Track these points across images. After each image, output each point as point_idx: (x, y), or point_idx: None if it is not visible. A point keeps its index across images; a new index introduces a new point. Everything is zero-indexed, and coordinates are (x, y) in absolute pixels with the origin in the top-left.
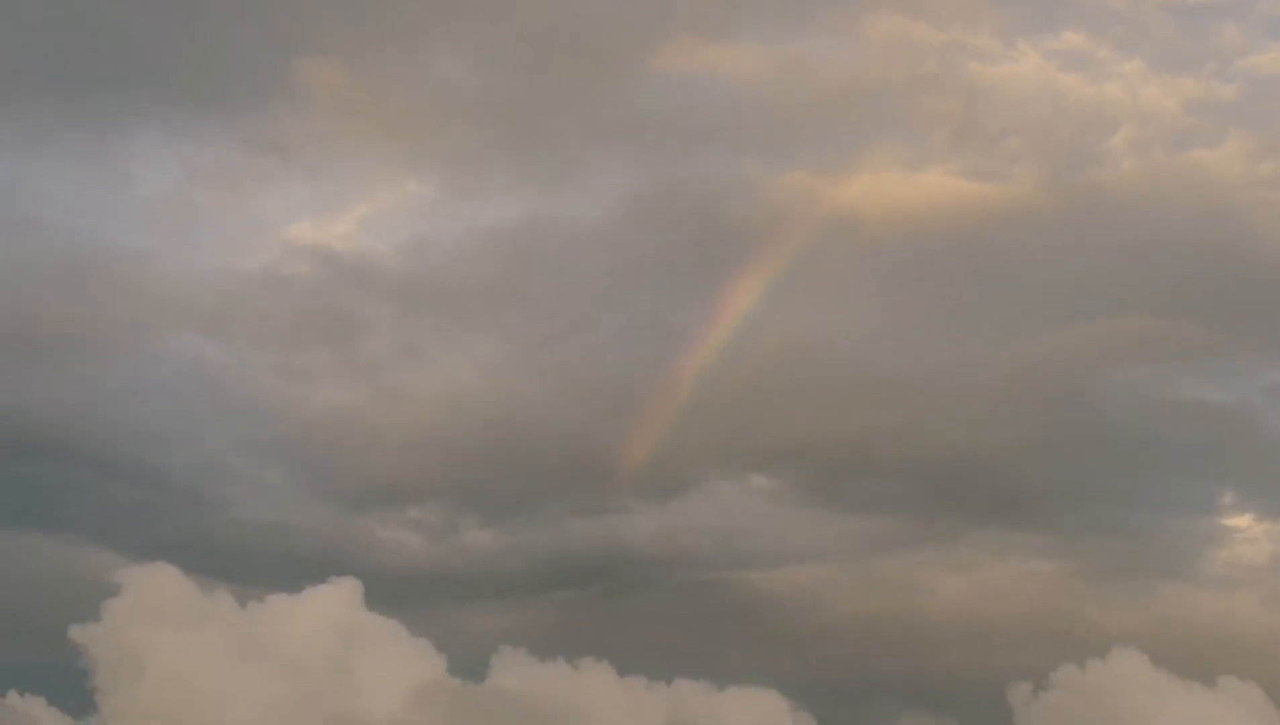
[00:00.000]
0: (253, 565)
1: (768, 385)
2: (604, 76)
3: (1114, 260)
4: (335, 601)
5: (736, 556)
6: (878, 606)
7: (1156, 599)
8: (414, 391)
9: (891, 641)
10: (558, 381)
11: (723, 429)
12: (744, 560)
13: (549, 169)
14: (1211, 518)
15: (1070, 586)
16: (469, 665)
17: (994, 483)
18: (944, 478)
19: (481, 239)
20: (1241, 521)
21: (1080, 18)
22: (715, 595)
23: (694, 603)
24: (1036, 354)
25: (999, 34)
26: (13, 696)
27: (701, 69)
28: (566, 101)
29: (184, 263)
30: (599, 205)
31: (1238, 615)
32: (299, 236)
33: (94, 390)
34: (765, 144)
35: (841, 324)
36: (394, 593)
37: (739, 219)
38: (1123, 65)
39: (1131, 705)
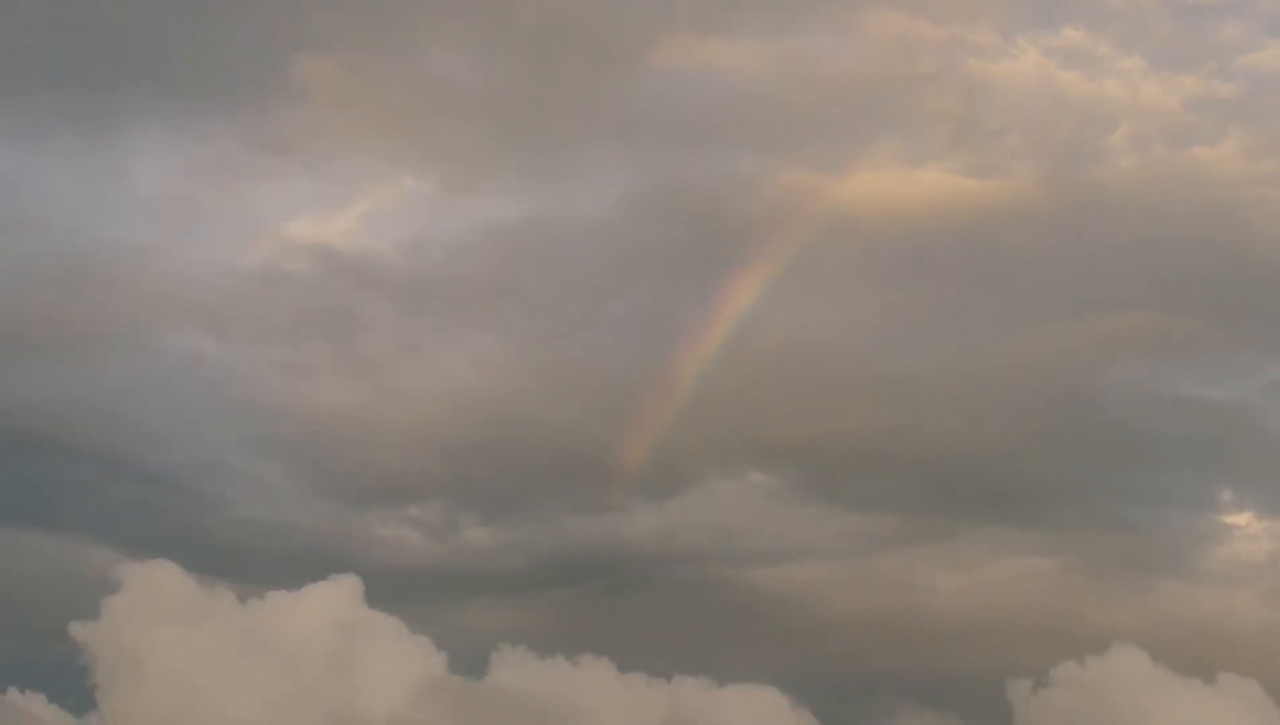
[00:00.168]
0: (253, 563)
1: (768, 382)
2: (603, 73)
3: (1114, 257)
4: (335, 599)
5: (736, 554)
6: (877, 604)
7: (1156, 596)
8: (414, 389)
9: (891, 639)
10: (557, 379)
11: (722, 426)
12: (744, 558)
13: (548, 166)
14: (1211, 515)
15: (1070, 583)
16: (469, 662)
17: (994, 480)
18: (944, 475)
19: (481, 236)
20: (1241, 519)
21: (1080, 14)
22: (715, 593)
23: (694, 600)
24: (1036, 351)
25: (999, 31)
26: (13, 693)
27: (701, 66)
28: (566, 98)
29: (183, 260)
30: (598, 202)
31: (1237, 612)
32: (298, 234)
33: (94, 388)
34: (765, 141)
35: (841, 321)
36: (394, 590)
37: (738, 216)
38: (1122, 62)
39: (1131, 702)
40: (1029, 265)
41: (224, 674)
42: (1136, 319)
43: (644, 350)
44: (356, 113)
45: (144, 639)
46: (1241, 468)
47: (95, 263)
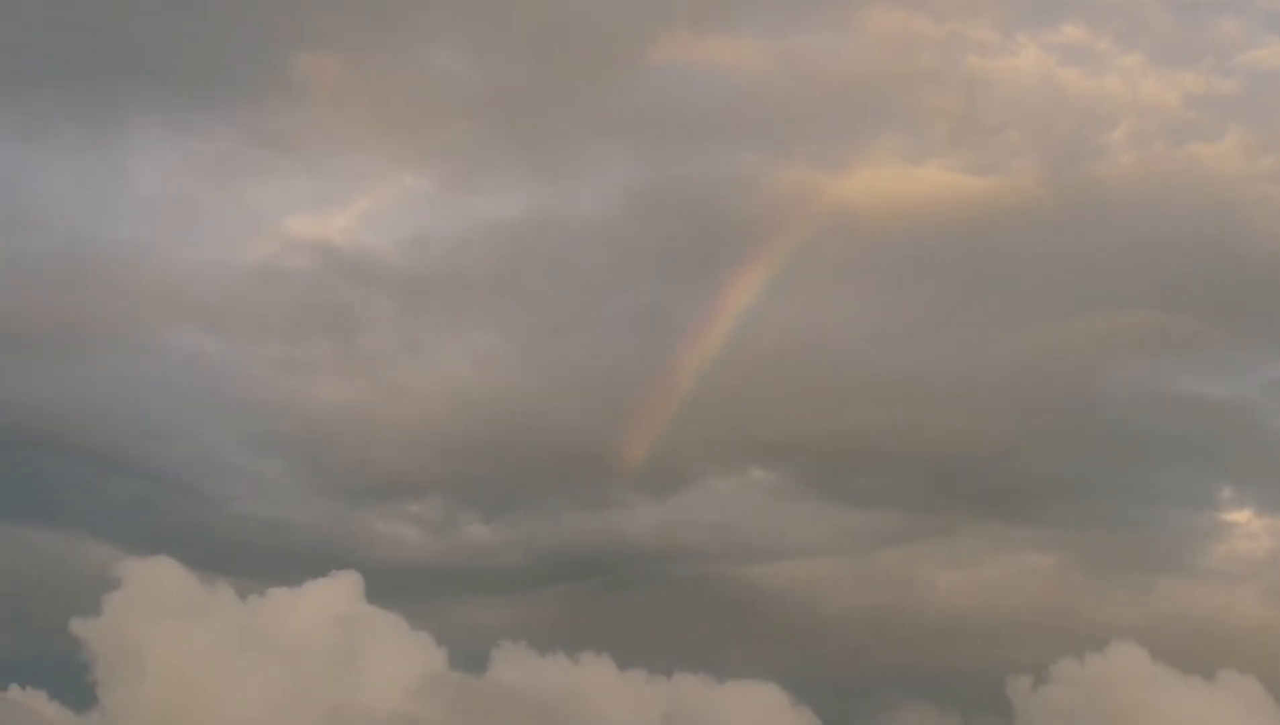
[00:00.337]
0: (253, 559)
1: (767, 380)
2: (603, 71)
3: (1113, 255)
4: (336, 595)
5: (736, 551)
6: (877, 600)
7: (1155, 593)
8: (413, 386)
9: (891, 635)
10: (557, 376)
11: (722, 423)
12: (744, 554)
13: (548, 164)
14: (1210, 512)
15: (1070, 580)
16: (469, 659)
17: (994, 477)
18: (944, 472)
19: (481, 233)
20: (1240, 516)
21: (1080, 11)
22: (715, 589)
23: (694, 597)
24: (1035, 348)
25: (998, 27)
26: (14, 690)
27: (701, 63)
28: (565, 96)
29: (183, 257)
30: (598, 200)
31: (1237, 609)
32: (298, 231)
33: (94, 385)
34: (765, 138)
35: (841, 318)
36: (394, 587)
37: (738, 213)
38: (1122, 59)
39: (1131, 699)
40: (1029, 262)
41: (225, 670)
42: (1136, 316)
43: (644, 347)
44: (356, 110)
45: (145, 635)
46: (1241, 465)
47: (95, 260)
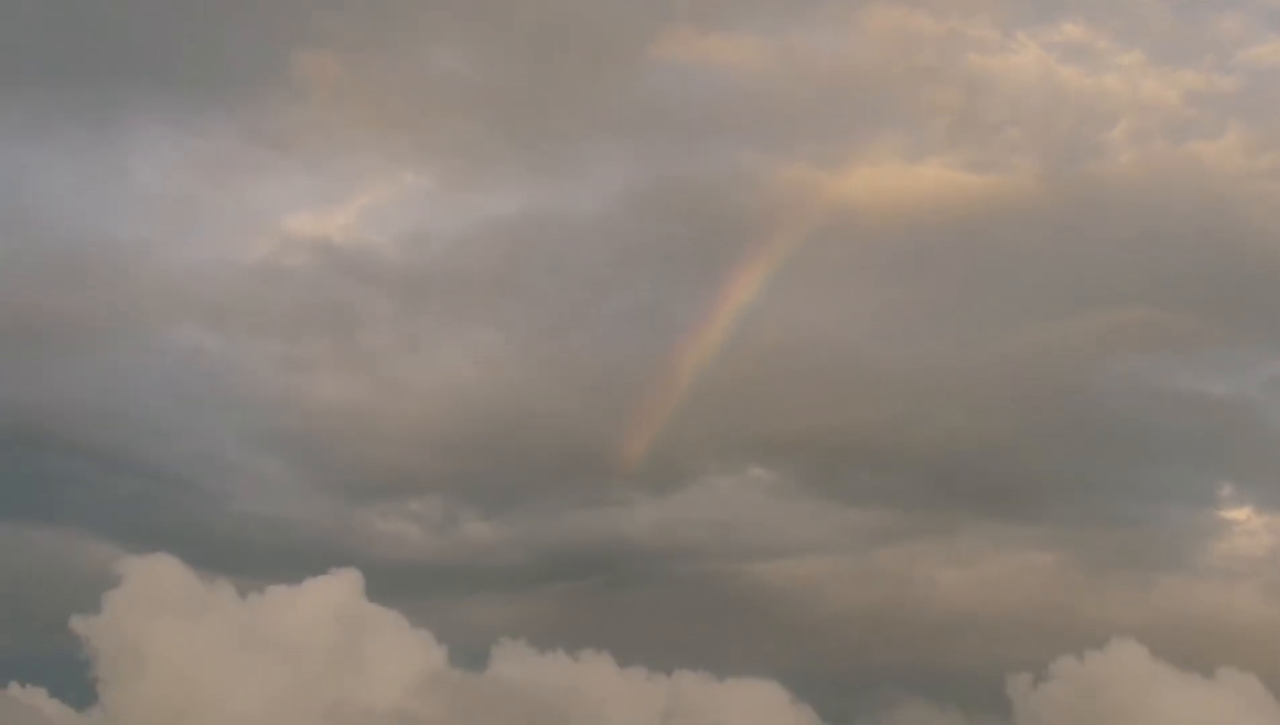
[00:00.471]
0: (253, 557)
1: (767, 377)
2: (603, 69)
3: (1113, 252)
4: (336, 592)
5: (736, 548)
6: (877, 598)
7: (1155, 591)
8: (414, 384)
9: (891, 633)
10: (557, 373)
11: (722, 421)
12: (743, 552)
13: (548, 161)
14: (1210, 510)
15: (1069, 578)
16: (470, 656)
17: (993, 475)
18: (943, 470)
19: (481, 231)
20: (1240, 514)
21: (1080, 9)
22: (715, 587)
23: (694, 595)
24: (1035, 346)
25: (998, 25)
26: (14, 687)
27: (701, 61)
28: (565, 93)
29: (183, 254)
30: (598, 197)
31: (1236, 607)
32: (298, 228)
33: (94, 383)
34: (764, 136)
35: (840, 316)
36: (394, 584)
37: (738, 211)
38: (1122, 57)
39: (1130, 696)
40: (1028, 260)
41: (225, 668)
42: (1136, 314)
43: (644, 345)
44: (356, 108)
45: (145, 633)
46: (1241, 463)
47: (95, 258)
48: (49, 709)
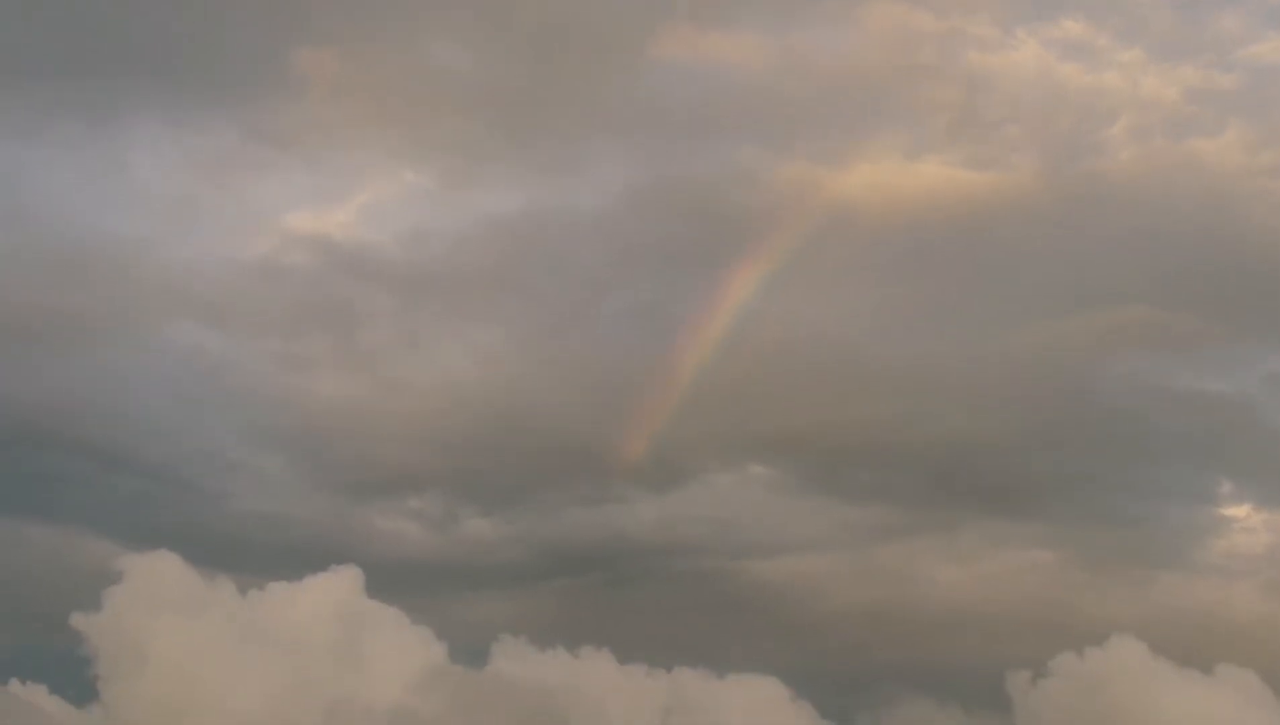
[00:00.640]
0: (253, 554)
1: (767, 375)
2: (603, 66)
3: (1113, 250)
4: (336, 589)
5: (736, 546)
6: (877, 596)
7: (1155, 588)
8: (413, 381)
9: (891, 630)
10: (557, 371)
11: (722, 419)
12: (743, 550)
13: (548, 159)
14: (1210, 507)
15: (1069, 575)
16: (470, 653)
17: (993, 472)
18: (943, 467)
19: (481, 229)
20: (1240, 511)
21: (1079, 6)
22: (715, 584)
23: (693, 592)
24: (1035, 343)
25: (998, 23)
26: (15, 684)
27: (701, 59)
28: (565, 91)
29: (183, 252)
30: (598, 195)
31: (1235, 604)
32: (298, 226)
33: (94, 381)
34: (764, 134)
35: (840, 314)
36: (394, 581)
37: (738, 209)
38: (1122, 54)
39: (1130, 693)
40: (1028, 258)
41: (225, 665)
42: (1136, 312)
43: (644, 343)
44: (356, 106)
45: (145, 630)
46: (1240, 460)
47: (95, 256)
48: (49, 706)
